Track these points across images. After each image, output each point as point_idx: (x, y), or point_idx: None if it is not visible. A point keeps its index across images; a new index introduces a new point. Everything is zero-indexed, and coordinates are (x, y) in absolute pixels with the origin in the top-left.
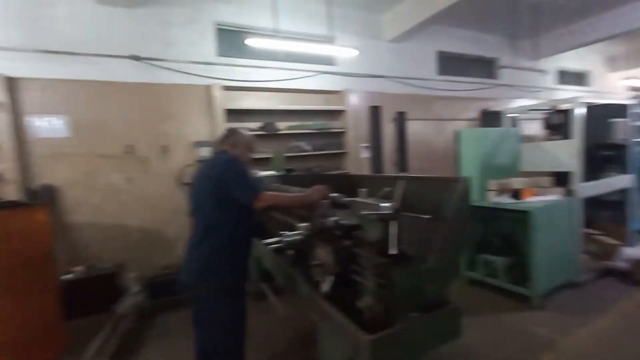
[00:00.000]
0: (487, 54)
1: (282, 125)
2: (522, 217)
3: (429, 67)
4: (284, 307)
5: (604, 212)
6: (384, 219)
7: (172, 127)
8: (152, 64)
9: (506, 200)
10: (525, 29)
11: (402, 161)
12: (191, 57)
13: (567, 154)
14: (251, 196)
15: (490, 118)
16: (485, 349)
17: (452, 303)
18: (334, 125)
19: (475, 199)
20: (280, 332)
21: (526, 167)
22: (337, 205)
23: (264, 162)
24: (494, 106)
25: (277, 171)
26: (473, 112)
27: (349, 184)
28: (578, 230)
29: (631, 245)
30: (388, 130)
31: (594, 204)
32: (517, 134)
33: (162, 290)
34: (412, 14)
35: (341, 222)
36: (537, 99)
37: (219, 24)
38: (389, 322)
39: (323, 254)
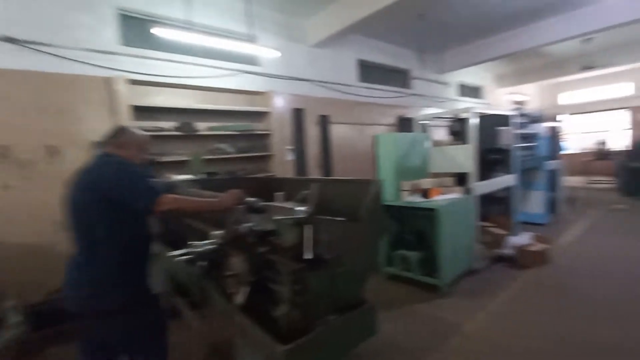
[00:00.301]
0: (401, 65)
1: (202, 126)
2: (430, 214)
3: (351, 74)
4: (200, 323)
5: (494, 206)
6: (299, 223)
7: (63, 124)
8: (36, 49)
9: (417, 199)
10: (432, 45)
11: (326, 164)
12: (87, 45)
13: (465, 157)
14: (147, 200)
15: (405, 124)
16: (401, 340)
17: (367, 302)
18: (259, 127)
19: (391, 198)
20: (197, 349)
21: (434, 168)
22: (253, 210)
23: (180, 165)
24: (408, 113)
25: (195, 175)
26: (391, 118)
27: (269, 187)
28: (475, 224)
29: (515, 234)
30: (313, 133)
31: (486, 200)
32: (426, 138)
33: (50, 319)
34: (333, 22)
35: (256, 228)
36: (443, 108)
37: (121, 10)
38: (306, 329)
39: (237, 263)
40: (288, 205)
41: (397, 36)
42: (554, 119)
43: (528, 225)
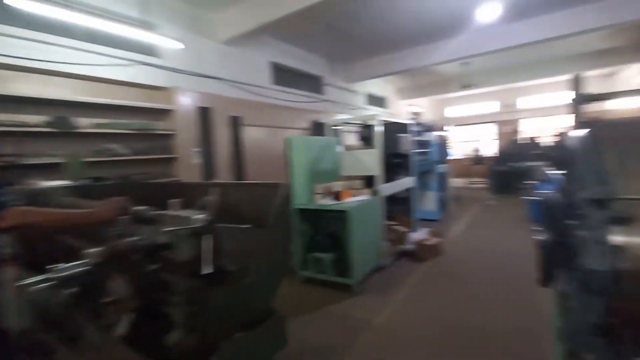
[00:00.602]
0: (314, 71)
1: (85, 122)
2: (342, 216)
3: (264, 76)
4: None
5: (397, 206)
6: (197, 233)
7: None
8: None
9: (329, 202)
10: (342, 55)
11: (238, 167)
12: None
13: (372, 161)
14: None
15: (318, 128)
16: (316, 342)
17: (276, 312)
18: (160, 126)
19: (304, 202)
20: None
21: (345, 172)
22: (141, 220)
23: (54, 169)
24: (321, 118)
25: (74, 180)
26: (305, 122)
27: (165, 194)
28: (381, 223)
29: (415, 230)
30: (223, 134)
31: (390, 200)
32: (337, 143)
33: None
34: (244, 20)
35: (143, 242)
36: (353, 114)
37: None
38: (207, 353)
39: (118, 286)
40: (184, 213)
41: (309, 43)
42: (442, 129)
43: (425, 221)
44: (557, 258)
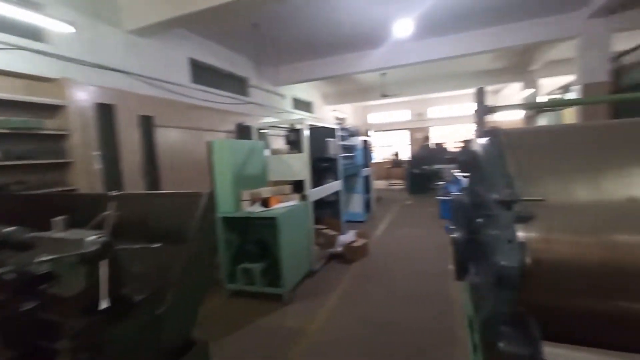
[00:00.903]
0: (239, 72)
1: None
2: (271, 223)
3: (182, 73)
4: None
5: (326, 210)
6: (90, 260)
7: None
8: None
9: (258, 209)
10: (268, 57)
11: (152, 174)
12: None
13: (300, 166)
14: None
15: (244, 131)
16: (248, 358)
17: (199, 341)
18: (48, 125)
19: (230, 210)
20: None
21: (273, 177)
22: (13, 246)
23: None
24: (247, 121)
25: None
26: (230, 125)
27: (51, 209)
28: (311, 228)
29: (343, 233)
30: (133, 136)
31: (319, 204)
32: (264, 146)
33: None
34: (155, 9)
35: (11, 274)
36: (280, 118)
37: None
38: None
39: None
40: (72, 234)
41: (235, 42)
42: (365, 134)
43: (352, 223)
44: (470, 254)
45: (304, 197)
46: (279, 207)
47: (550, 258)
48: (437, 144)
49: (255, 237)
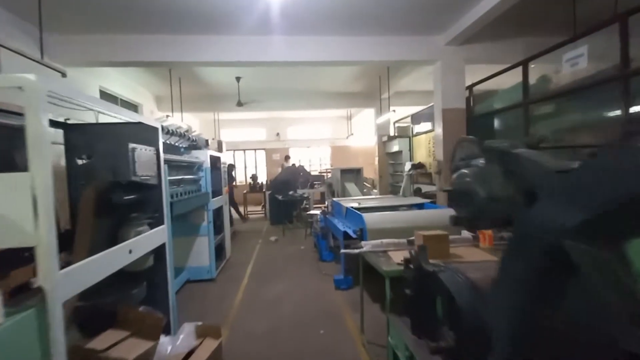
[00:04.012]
0: None
1: None
2: None
3: None
4: None
5: (126, 289)
6: None
7: None
8: None
9: None
10: (53, 20)
11: None
12: None
13: (19, 206)
14: None
15: None
16: None
17: None
18: None
19: None
20: None
21: None
22: None
23: None
24: None
25: None
26: None
27: None
28: None
29: (170, 331)
30: None
31: (113, 280)
32: None
33: None
34: None
35: None
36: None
37: None
38: None
39: None
40: None
41: None
42: (219, 149)
43: (194, 284)
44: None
45: (35, 298)
46: None
47: None
48: (301, 166)
49: None
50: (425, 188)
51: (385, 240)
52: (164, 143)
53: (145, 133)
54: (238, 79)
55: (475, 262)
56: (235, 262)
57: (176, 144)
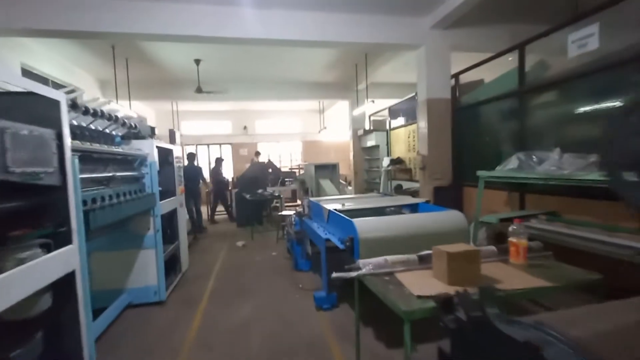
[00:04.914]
0: None
1: None
2: None
3: None
4: None
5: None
6: None
7: None
8: None
9: None
10: None
11: None
12: None
13: None
14: None
15: None
16: None
17: None
18: None
19: None
20: None
21: None
22: None
23: None
24: None
25: None
26: None
27: None
28: None
29: None
30: None
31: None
32: None
33: None
34: None
35: None
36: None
37: None
38: None
39: None
40: None
41: None
42: (172, 140)
43: (137, 310)
44: None
45: None
46: None
47: None
48: (270, 162)
49: None
50: (406, 185)
51: (390, 258)
52: (85, 129)
53: (36, 108)
54: (197, 61)
55: (521, 289)
56: (193, 276)
57: (109, 131)
